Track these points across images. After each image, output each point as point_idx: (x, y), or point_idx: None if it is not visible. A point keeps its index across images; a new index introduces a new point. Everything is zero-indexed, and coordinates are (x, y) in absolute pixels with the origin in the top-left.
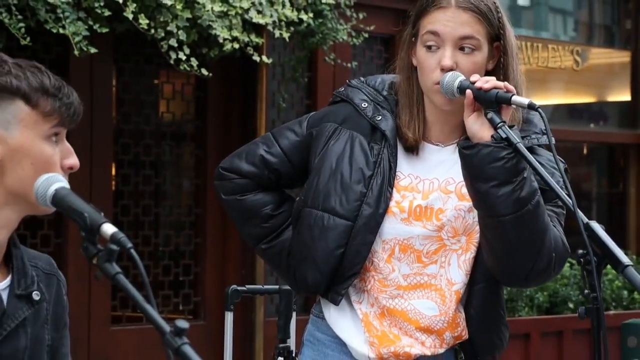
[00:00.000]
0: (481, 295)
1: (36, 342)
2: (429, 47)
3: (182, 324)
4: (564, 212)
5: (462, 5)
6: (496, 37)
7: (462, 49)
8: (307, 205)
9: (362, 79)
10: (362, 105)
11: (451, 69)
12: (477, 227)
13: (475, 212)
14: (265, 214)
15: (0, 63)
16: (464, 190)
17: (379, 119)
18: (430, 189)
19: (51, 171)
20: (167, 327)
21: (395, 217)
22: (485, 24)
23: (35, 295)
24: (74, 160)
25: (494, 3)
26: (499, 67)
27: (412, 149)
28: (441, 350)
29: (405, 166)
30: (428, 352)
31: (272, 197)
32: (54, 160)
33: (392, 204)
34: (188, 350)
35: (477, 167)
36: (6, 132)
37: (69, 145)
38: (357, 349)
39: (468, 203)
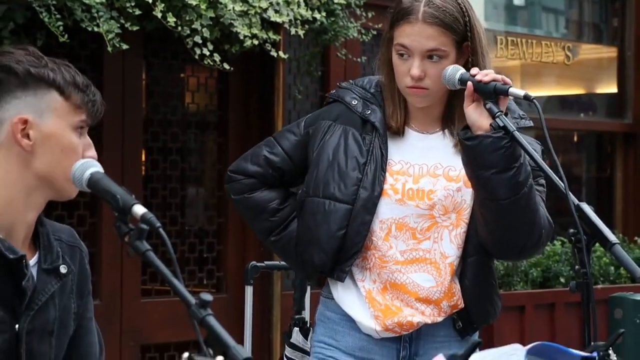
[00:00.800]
0: (474, 267)
1: (64, 312)
2: (400, 55)
3: (206, 296)
4: (545, 190)
5: (428, 20)
6: (464, 38)
7: (430, 57)
8: (309, 194)
9: (351, 81)
10: (353, 102)
11: (420, 78)
12: (465, 205)
13: (463, 191)
14: (272, 209)
15: (38, 57)
16: (452, 173)
17: (368, 112)
18: (420, 173)
19: (76, 160)
20: (192, 300)
21: (390, 198)
22: (451, 34)
23: (63, 269)
24: (93, 153)
25: (461, 8)
26: (467, 64)
27: (399, 135)
28: (439, 319)
29: (395, 154)
30: (428, 320)
31: (277, 193)
32: (79, 149)
33: (387, 186)
34: (212, 320)
35: (479, 156)
36: (40, 119)
37: (89, 139)
38: (364, 324)
39: (456, 184)
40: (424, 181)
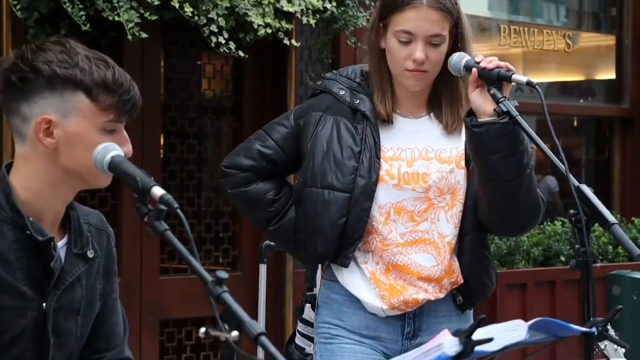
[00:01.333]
0: (471, 244)
1: (90, 292)
2: (401, 41)
3: (222, 274)
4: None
5: (433, 5)
6: (456, 24)
7: (431, 42)
8: (307, 185)
9: (334, 71)
10: (340, 92)
11: (422, 62)
12: (459, 186)
13: (456, 173)
14: (269, 199)
15: (71, 55)
16: (443, 154)
17: (357, 102)
18: (412, 157)
19: None
20: (208, 277)
21: (387, 184)
22: (449, 19)
23: (90, 254)
24: (127, 149)
25: None
26: (454, 50)
27: (387, 122)
28: (441, 295)
29: (386, 140)
30: (432, 297)
31: (272, 184)
32: None
33: (382, 172)
34: (227, 297)
35: (487, 141)
36: (64, 119)
37: (126, 134)
38: (371, 303)
39: (448, 165)
40: (418, 164)
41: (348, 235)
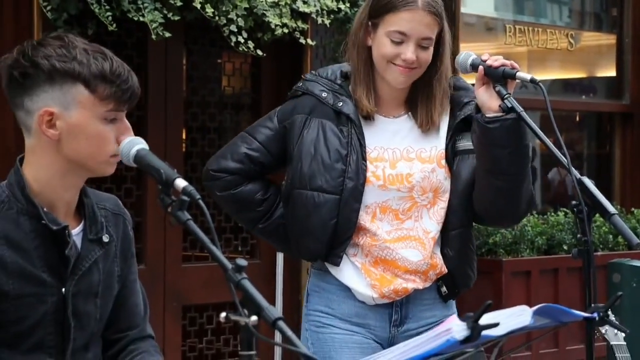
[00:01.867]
0: (458, 238)
1: (108, 275)
2: (392, 40)
3: (242, 262)
4: None
5: (427, 8)
6: (440, 30)
7: (420, 45)
8: (296, 187)
9: (313, 72)
10: (323, 95)
11: (412, 63)
12: (440, 184)
13: (437, 172)
14: (257, 200)
15: (69, 48)
16: (424, 154)
17: (340, 104)
18: (394, 157)
19: (105, 145)
20: (229, 265)
21: (373, 185)
22: (439, 23)
23: (105, 238)
24: (129, 136)
25: (442, 2)
26: (436, 53)
27: (369, 118)
28: (427, 284)
29: (370, 140)
30: (420, 287)
31: (259, 185)
32: (107, 136)
33: (369, 174)
34: (246, 283)
35: (498, 136)
36: (65, 111)
37: (127, 123)
38: (362, 292)
39: (430, 165)
40: (401, 165)
41: (338, 235)
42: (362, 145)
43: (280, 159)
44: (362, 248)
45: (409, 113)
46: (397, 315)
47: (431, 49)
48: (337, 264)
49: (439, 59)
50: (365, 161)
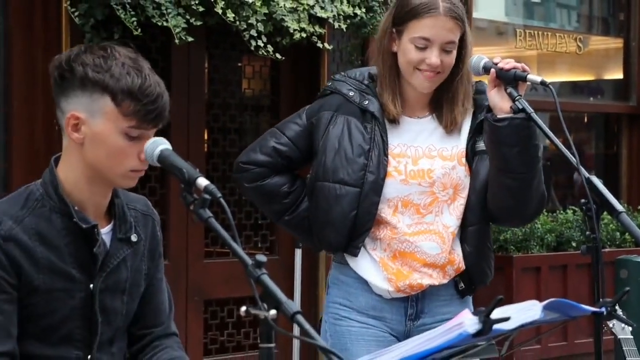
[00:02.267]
0: (475, 234)
1: (136, 273)
2: (417, 46)
3: (261, 257)
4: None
5: (449, 14)
6: (462, 33)
7: (444, 49)
8: (319, 179)
9: (342, 73)
10: (350, 94)
11: (437, 67)
12: (460, 181)
13: (458, 169)
14: (284, 192)
15: (107, 60)
16: (445, 153)
17: (366, 103)
18: (417, 155)
19: (124, 159)
20: (249, 260)
21: (395, 179)
22: (461, 28)
23: (134, 238)
24: (142, 158)
25: (462, 5)
26: (459, 56)
27: (395, 122)
28: (445, 281)
29: (393, 138)
30: (436, 282)
31: (286, 178)
32: (127, 151)
33: (390, 169)
34: (266, 279)
35: (507, 135)
36: (91, 118)
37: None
38: (379, 286)
39: (451, 163)
40: (422, 162)
41: (358, 227)
42: (385, 142)
43: (307, 154)
44: (382, 241)
45: (433, 114)
46: (412, 309)
47: (454, 53)
48: (356, 255)
49: (461, 62)
50: (387, 156)
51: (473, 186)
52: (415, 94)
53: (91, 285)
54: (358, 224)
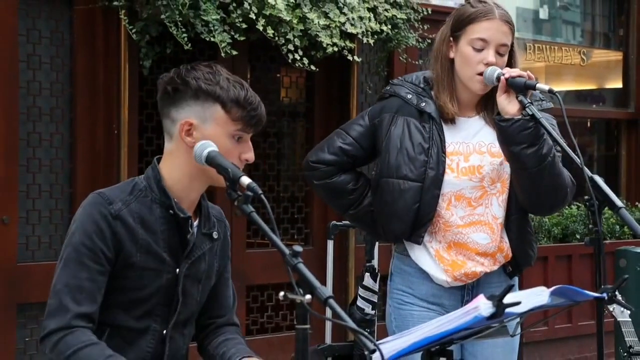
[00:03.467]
0: (516, 222)
1: (210, 267)
2: (474, 48)
3: (297, 248)
4: (561, 154)
5: (504, 18)
6: (512, 42)
7: (498, 52)
8: (384, 176)
9: (400, 78)
10: (408, 96)
11: (493, 64)
12: (507, 176)
13: (504, 165)
14: (349, 189)
15: (215, 75)
16: (493, 149)
17: (423, 105)
18: (468, 151)
19: (227, 159)
20: (286, 250)
21: (449, 175)
22: (512, 33)
23: (215, 235)
24: (249, 155)
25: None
26: (509, 62)
27: (451, 122)
28: (495, 268)
29: (447, 137)
30: (487, 270)
31: (351, 175)
32: (232, 152)
33: (445, 166)
34: (302, 267)
35: (511, 134)
36: (202, 124)
37: (250, 144)
38: (438, 277)
39: (498, 159)
40: (473, 158)
41: (420, 218)
42: (442, 140)
43: (370, 152)
44: (437, 234)
45: (481, 114)
46: (468, 296)
47: (506, 57)
48: (419, 243)
49: (508, 66)
50: (445, 154)
51: (511, 180)
52: (468, 96)
53: (177, 270)
54: (420, 215)
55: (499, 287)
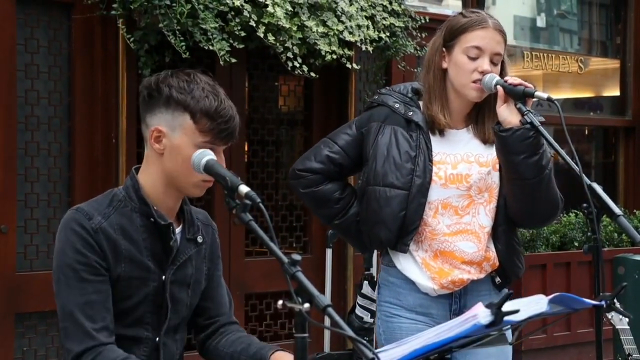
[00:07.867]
0: (504, 234)
1: (198, 271)
2: (469, 57)
3: (296, 256)
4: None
5: (497, 27)
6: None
7: (492, 61)
8: (370, 184)
9: (387, 87)
10: (395, 105)
11: (489, 72)
12: (495, 185)
13: (492, 174)
14: (335, 198)
15: (190, 84)
16: (482, 159)
17: (410, 114)
18: (455, 160)
19: (190, 172)
20: (285, 259)
21: (436, 183)
22: (505, 43)
23: (199, 239)
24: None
25: None
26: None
27: (439, 133)
28: (481, 276)
29: (435, 146)
30: (474, 277)
31: (337, 185)
32: None
33: (432, 174)
34: (300, 275)
35: (511, 144)
36: (171, 132)
37: (222, 157)
38: (424, 284)
39: (486, 168)
40: (461, 167)
41: (406, 226)
42: (429, 149)
43: (357, 161)
44: (423, 243)
45: (470, 126)
46: (456, 305)
47: (499, 66)
48: (405, 251)
49: (500, 76)
50: (431, 162)
51: (500, 191)
52: (459, 107)
53: (163, 277)
54: (407, 223)
55: (487, 296)
